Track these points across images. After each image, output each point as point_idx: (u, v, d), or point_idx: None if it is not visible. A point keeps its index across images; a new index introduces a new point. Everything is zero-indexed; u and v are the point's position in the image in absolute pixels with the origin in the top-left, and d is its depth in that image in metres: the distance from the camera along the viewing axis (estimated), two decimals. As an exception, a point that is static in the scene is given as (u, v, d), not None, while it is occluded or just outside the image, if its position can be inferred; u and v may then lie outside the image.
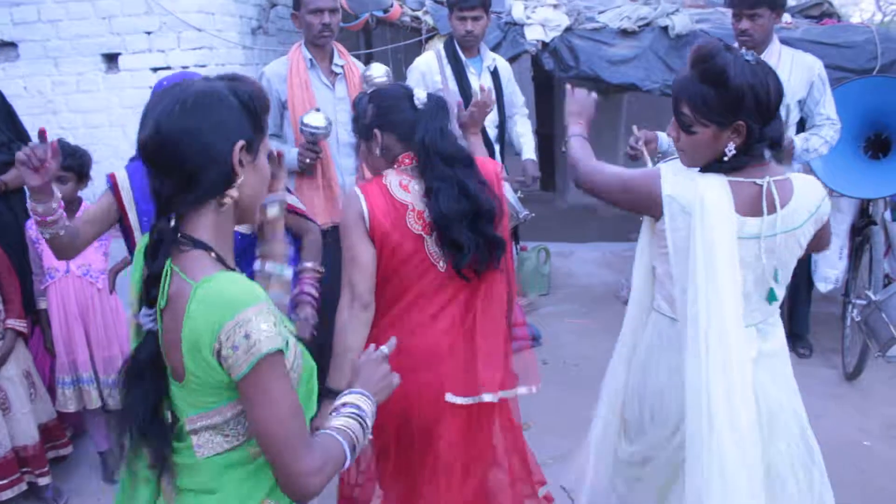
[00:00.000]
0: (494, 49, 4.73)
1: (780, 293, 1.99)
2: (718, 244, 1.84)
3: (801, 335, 4.65)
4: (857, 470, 3.37)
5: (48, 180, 2.08)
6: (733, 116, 1.82)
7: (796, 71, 3.38)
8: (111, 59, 4.79)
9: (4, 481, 3.19)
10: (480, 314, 2.24)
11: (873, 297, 3.54)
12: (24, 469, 3.27)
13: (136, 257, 1.46)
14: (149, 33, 4.72)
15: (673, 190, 1.91)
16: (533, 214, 3.58)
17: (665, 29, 5.00)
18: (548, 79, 7.67)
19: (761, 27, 3.34)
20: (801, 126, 3.58)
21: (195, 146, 1.33)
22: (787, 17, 5.22)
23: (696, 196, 1.86)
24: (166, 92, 1.37)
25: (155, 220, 1.38)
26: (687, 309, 1.91)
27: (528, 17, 5.20)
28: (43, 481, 3.31)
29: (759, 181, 1.88)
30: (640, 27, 5.05)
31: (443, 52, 3.90)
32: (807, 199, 1.93)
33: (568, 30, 5.12)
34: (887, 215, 4.31)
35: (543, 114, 8.40)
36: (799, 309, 4.66)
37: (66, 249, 2.31)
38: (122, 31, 4.73)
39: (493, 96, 2.95)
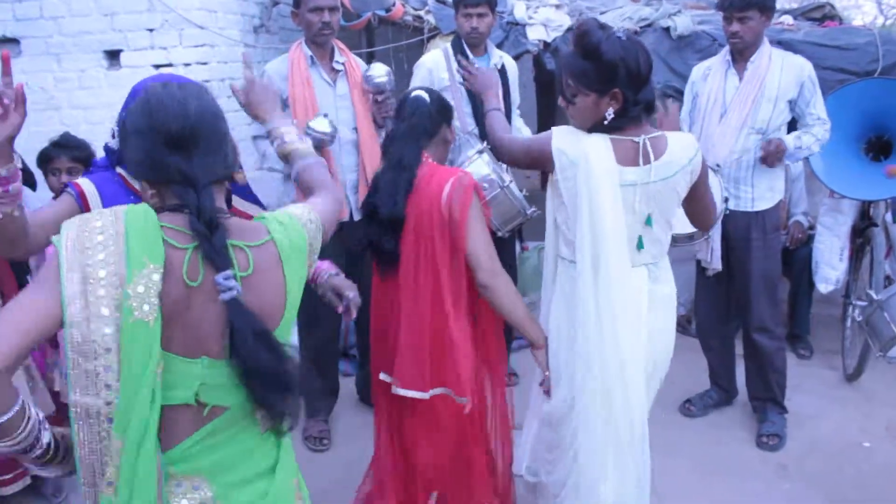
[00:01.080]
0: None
1: (652, 239, 2.30)
2: (602, 189, 2.17)
3: (801, 336, 4.68)
4: (858, 471, 3.40)
5: (10, 133, 1.71)
6: (610, 85, 2.15)
7: (787, 72, 3.43)
8: (113, 55, 4.83)
9: (8, 476, 3.22)
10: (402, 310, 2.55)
11: (875, 297, 3.57)
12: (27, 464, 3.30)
13: (142, 227, 1.41)
14: (151, 30, 4.75)
15: (561, 144, 2.25)
16: (539, 211, 3.62)
17: (667, 30, 5.03)
18: (550, 79, 7.70)
19: (751, 29, 3.39)
20: (792, 127, 3.62)
21: (224, 128, 1.51)
22: (788, 19, 5.26)
23: (581, 150, 2.21)
24: (168, 88, 1.47)
25: (199, 202, 1.42)
26: (576, 250, 2.25)
27: (530, 17, 5.24)
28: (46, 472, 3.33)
29: (636, 139, 2.21)
30: (641, 28, 5.09)
31: (450, 50, 3.93)
32: (680, 153, 2.25)
33: (570, 30, 5.15)
34: (888, 217, 4.34)
35: (545, 114, 8.43)
36: (800, 310, 4.70)
37: (15, 240, 1.87)
38: (124, 28, 4.76)
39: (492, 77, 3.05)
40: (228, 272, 1.40)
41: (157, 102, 1.44)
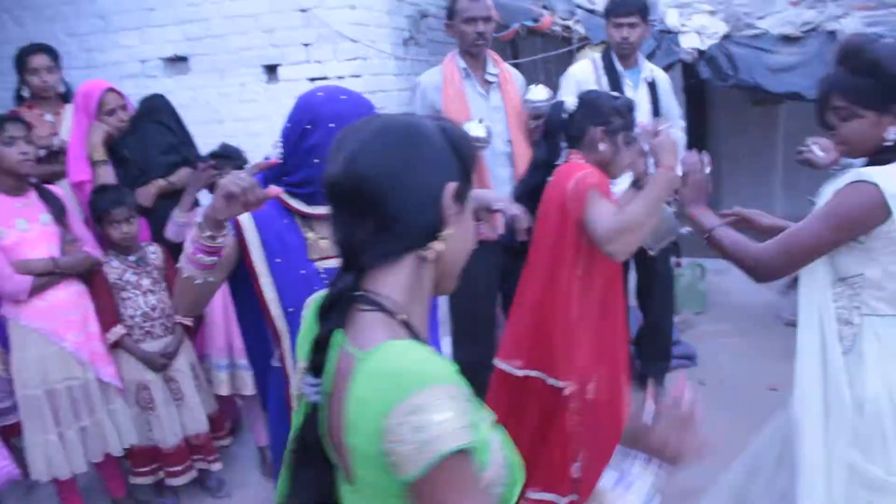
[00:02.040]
0: (647, 58, 4.70)
1: None
2: None
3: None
4: None
5: (235, 213, 1.77)
6: (892, 101, 1.96)
7: None
8: (271, 70, 5.09)
9: (178, 468, 3.46)
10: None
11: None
12: (195, 457, 3.53)
13: (306, 316, 1.28)
14: (306, 45, 4.97)
15: (893, 187, 1.93)
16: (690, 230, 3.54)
17: (832, 34, 4.81)
18: (701, 89, 7.51)
19: None
20: None
21: (400, 185, 1.12)
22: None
23: None
24: (362, 123, 1.18)
25: (337, 275, 1.17)
26: None
27: (683, 25, 5.14)
28: (215, 467, 3.57)
29: None
30: (804, 32, 4.89)
31: (599, 62, 3.91)
32: None
33: (726, 37, 5.02)
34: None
35: (695, 124, 8.22)
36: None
37: (204, 303, 1.96)
38: (282, 44, 5.02)
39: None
40: (314, 380, 1.15)
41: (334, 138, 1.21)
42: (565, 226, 2.57)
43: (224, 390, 3.65)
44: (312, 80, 4.95)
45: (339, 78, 4.91)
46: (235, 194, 1.70)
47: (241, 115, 5.16)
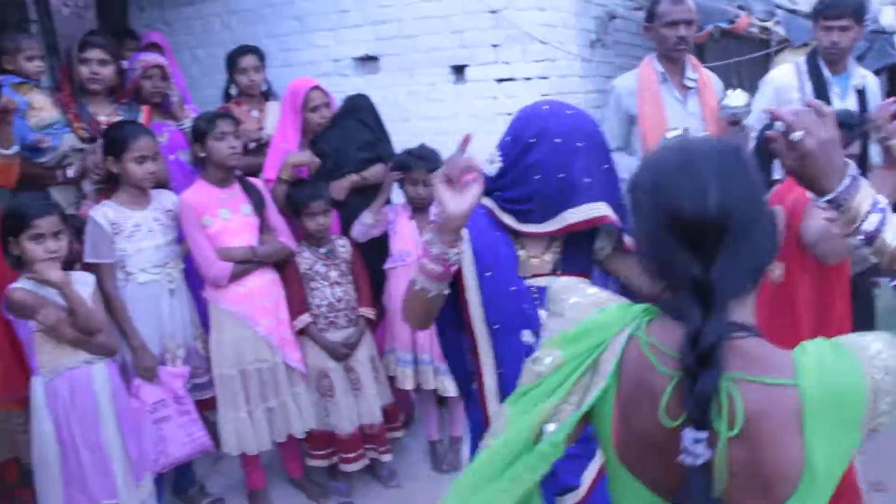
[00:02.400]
0: (857, 60, 4.37)
1: None
2: None
3: None
4: None
5: (465, 212, 1.68)
6: None
7: None
8: (459, 70, 5.15)
9: (351, 455, 3.58)
10: None
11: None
12: (368, 446, 3.64)
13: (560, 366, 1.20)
14: (495, 46, 5.00)
15: None
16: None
17: None
18: (911, 94, 6.92)
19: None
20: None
21: (759, 212, 1.12)
22: None
23: None
24: (699, 151, 1.13)
25: (703, 326, 1.05)
26: None
27: (901, 25, 4.75)
28: (386, 458, 3.66)
29: None
30: None
31: (804, 66, 3.67)
32: None
33: (951, 38, 4.59)
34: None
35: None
36: None
37: (436, 311, 1.86)
38: (471, 45, 5.06)
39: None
40: (701, 434, 1.03)
41: (666, 172, 1.13)
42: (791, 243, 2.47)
43: (408, 384, 3.72)
44: (500, 81, 4.97)
45: (527, 80, 4.91)
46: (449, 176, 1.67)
47: (428, 115, 5.26)
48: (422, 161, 3.62)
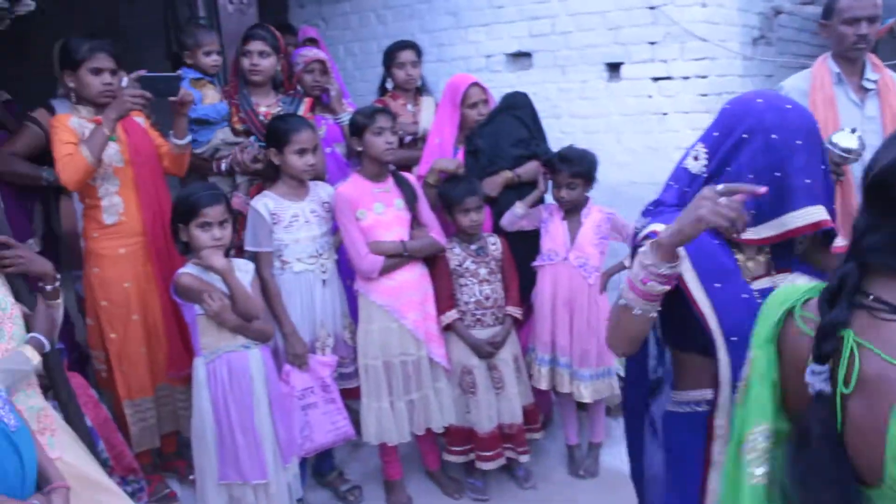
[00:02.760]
0: None
1: None
2: None
3: None
4: None
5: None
6: None
7: None
8: (614, 68, 5.05)
9: (489, 453, 3.57)
10: None
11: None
12: (506, 445, 3.63)
13: (768, 303, 1.31)
14: (652, 43, 4.86)
15: None
16: None
17: None
18: None
19: None
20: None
21: None
22: None
23: None
24: None
25: (843, 263, 1.19)
26: None
27: None
28: (523, 458, 3.64)
29: None
30: None
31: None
32: None
33: None
34: None
35: None
36: None
37: (642, 333, 1.78)
38: (627, 42, 4.95)
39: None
40: (819, 368, 1.15)
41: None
42: None
43: (543, 384, 3.69)
44: (656, 79, 4.84)
45: (685, 78, 4.75)
46: (718, 222, 1.52)
47: (579, 112, 5.19)
48: (566, 164, 3.57)
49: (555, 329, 3.63)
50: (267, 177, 3.55)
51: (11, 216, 3.26)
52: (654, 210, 1.90)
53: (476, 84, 3.85)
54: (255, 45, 3.77)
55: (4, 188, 3.49)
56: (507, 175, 3.76)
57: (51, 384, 2.71)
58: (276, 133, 3.34)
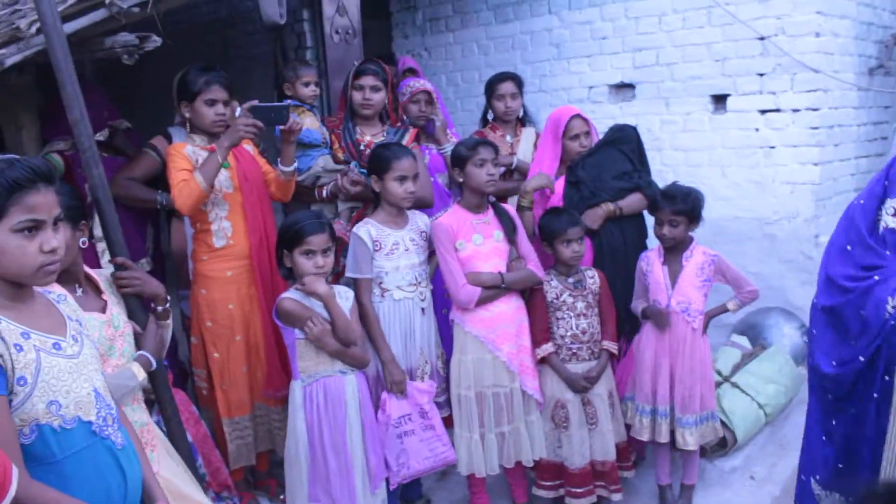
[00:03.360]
0: None
1: None
2: None
3: None
4: None
5: None
6: None
7: None
8: (719, 100, 4.98)
9: (580, 490, 3.50)
10: None
11: None
12: (598, 483, 3.56)
13: None
14: (761, 75, 4.76)
15: None
16: None
17: None
18: None
19: None
20: None
21: None
22: None
23: None
24: None
25: None
26: None
27: None
28: (616, 497, 3.56)
29: None
30: None
31: None
32: None
33: None
34: None
35: None
36: None
37: None
38: (734, 73, 4.86)
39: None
40: None
41: None
42: None
43: (645, 436, 3.63)
44: (763, 112, 4.74)
45: (794, 111, 4.64)
46: None
47: (682, 145, 5.12)
48: (669, 201, 3.49)
49: (656, 378, 3.56)
50: (367, 200, 3.62)
51: (128, 238, 3.40)
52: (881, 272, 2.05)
53: (578, 116, 3.85)
54: (367, 80, 3.86)
55: (122, 211, 3.65)
56: (608, 207, 3.73)
57: (156, 399, 2.82)
58: (378, 160, 3.40)
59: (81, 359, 1.82)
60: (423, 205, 3.70)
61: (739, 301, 3.58)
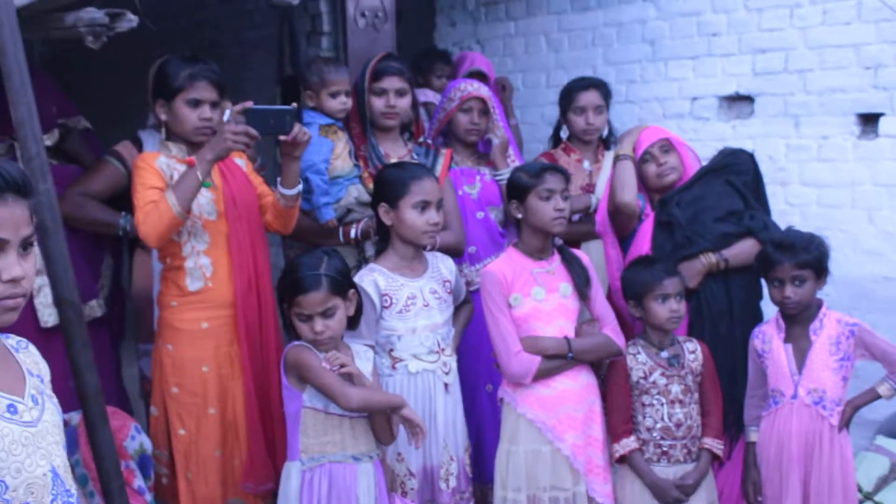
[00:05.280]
0: None
1: None
2: None
3: None
4: None
5: None
6: None
7: None
8: (869, 120, 4.90)
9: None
10: None
11: None
12: None
13: None
14: (927, 88, 4.70)
15: None
16: None
17: None
18: None
19: None
20: None
21: None
22: None
23: None
24: None
25: None
26: None
27: None
28: None
29: None
30: None
31: None
32: None
33: None
34: None
35: None
36: None
37: None
38: (890, 86, 4.79)
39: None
40: None
41: None
42: None
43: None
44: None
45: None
46: None
47: (815, 179, 5.05)
48: (787, 252, 3.40)
49: (783, 492, 3.46)
50: None
51: (76, 272, 3.42)
52: None
53: (666, 140, 3.91)
54: (392, 83, 3.91)
55: (69, 236, 3.64)
56: (710, 259, 3.70)
57: (102, 490, 2.79)
58: (389, 182, 3.43)
59: (41, 427, 1.78)
60: (451, 252, 3.72)
61: (894, 384, 3.47)
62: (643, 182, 3.90)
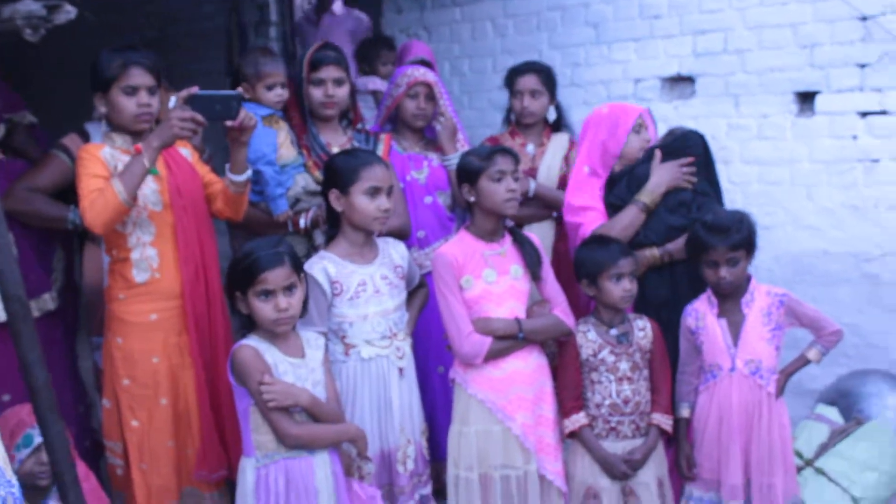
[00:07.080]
0: None
1: None
2: None
3: None
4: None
5: None
6: None
7: None
8: (806, 98, 4.92)
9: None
10: None
11: None
12: None
13: None
14: (862, 66, 4.71)
15: None
16: None
17: None
18: None
19: None
20: None
21: None
22: None
23: None
24: None
25: None
26: None
27: None
28: None
29: None
30: None
31: None
32: None
33: None
34: None
35: None
36: None
37: None
38: (827, 64, 4.81)
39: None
40: None
41: None
42: None
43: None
44: (864, 115, 4.68)
45: (903, 114, 4.57)
46: None
47: (755, 157, 5.07)
48: (720, 235, 3.40)
49: (722, 466, 3.47)
50: None
51: (27, 265, 3.34)
52: None
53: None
54: (330, 72, 3.86)
55: (19, 230, 3.58)
56: (654, 254, 3.69)
57: (56, 482, 2.73)
58: (340, 169, 3.38)
59: None
60: (396, 235, 3.69)
61: (822, 347, 3.52)
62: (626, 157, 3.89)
